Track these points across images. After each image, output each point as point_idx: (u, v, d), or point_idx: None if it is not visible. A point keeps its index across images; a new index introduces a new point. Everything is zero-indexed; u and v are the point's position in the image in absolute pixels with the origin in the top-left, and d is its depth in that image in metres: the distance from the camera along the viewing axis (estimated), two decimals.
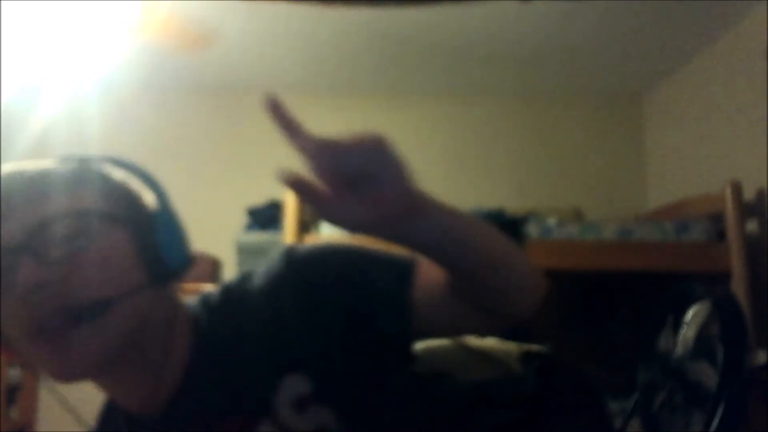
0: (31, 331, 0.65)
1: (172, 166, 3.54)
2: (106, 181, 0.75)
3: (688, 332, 2.11)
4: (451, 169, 3.41)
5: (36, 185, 0.70)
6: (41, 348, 0.66)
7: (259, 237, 2.85)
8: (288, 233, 2.46)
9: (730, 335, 1.97)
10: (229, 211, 3.19)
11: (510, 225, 2.44)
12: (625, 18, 2.67)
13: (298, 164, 0.57)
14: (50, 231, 0.67)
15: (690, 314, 2.13)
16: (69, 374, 0.67)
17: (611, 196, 3.40)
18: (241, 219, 3.07)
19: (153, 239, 0.73)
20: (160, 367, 0.74)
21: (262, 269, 0.79)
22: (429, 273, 0.75)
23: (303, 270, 0.76)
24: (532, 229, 2.45)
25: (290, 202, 2.50)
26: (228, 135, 3.51)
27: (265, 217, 2.94)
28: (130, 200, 0.75)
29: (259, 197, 3.05)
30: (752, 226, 2.50)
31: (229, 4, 2.41)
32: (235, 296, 0.79)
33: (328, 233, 2.45)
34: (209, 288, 0.84)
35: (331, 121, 3.62)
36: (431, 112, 3.50)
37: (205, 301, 0.81)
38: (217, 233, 3.12)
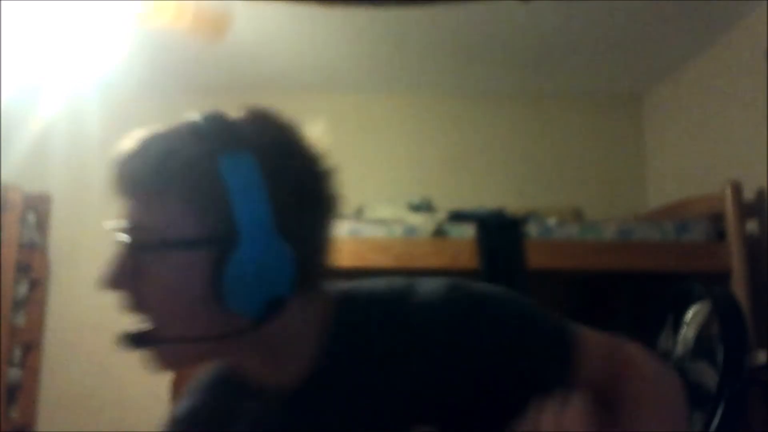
0: None
1: None
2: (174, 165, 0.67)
3: (688, 332, 2.11)
4: (451, 169, 3.41)
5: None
6: None
7: None
8: None
9: (730, 335, 1.97)
10: None
11: (510, 225, 2.44)
12: (625, 18, 2.67)
13: None
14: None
15: (690, 314, 2.13)
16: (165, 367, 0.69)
17: (611, 196, 3.39)
18: None
19: (232, 267, 0.63)
20: (276, 361, 0.71)
21: (423, 297, 0.72)
22: (591, 358, 0.75)
23: (466, 329, 0.70)
24: (532, 229, 2.45)
25: None
26: None
27: None
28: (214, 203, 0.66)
29: None
30: (752, 226, 2.49)
31: (230, 4, 2.41)
32: (388, 312, 0.72)
33: None
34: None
35: (332, 121, 3.63)
36: (431, 112, 3.49)
37: (361, 298, 0.74)
38: None
